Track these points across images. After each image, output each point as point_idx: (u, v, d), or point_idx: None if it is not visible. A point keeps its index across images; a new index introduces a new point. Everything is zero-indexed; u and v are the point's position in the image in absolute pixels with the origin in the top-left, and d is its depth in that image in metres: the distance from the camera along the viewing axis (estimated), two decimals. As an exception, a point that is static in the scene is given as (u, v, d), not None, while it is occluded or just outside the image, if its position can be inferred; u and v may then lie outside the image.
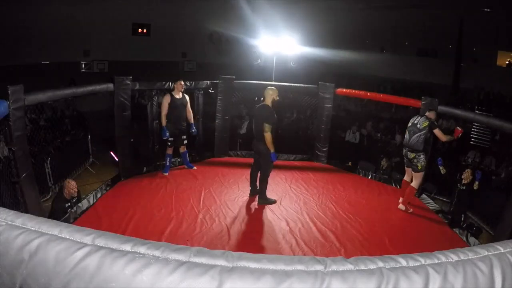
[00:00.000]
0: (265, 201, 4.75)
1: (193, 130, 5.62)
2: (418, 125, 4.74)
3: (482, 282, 0.79)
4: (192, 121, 5.59)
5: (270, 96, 4.53)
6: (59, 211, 4.13)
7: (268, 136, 4.38)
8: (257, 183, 4.83)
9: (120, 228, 3.95)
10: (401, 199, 5.16)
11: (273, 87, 4.67)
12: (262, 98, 4.66)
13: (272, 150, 4.45)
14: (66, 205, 4.22)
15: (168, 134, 5.32)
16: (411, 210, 4.93)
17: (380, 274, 0.76)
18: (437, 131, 4.69)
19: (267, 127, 4.37)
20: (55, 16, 11.13)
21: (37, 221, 0.84)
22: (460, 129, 4.82)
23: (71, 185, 4.31)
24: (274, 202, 4.80)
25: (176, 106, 5.35)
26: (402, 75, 15.13)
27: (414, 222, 4.71)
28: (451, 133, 4.96)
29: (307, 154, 6.84)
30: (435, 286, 0.76)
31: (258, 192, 4.79)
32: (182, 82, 5.43)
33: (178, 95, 5.39)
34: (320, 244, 3.93)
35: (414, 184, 4.81)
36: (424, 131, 4.68)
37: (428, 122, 4.69)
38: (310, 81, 6.98)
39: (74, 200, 4.34)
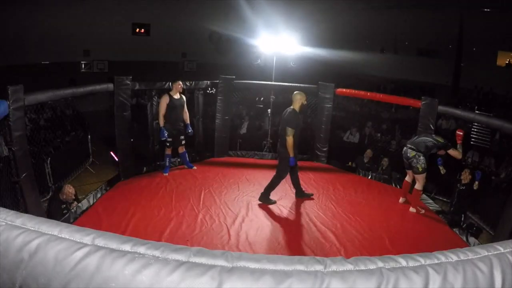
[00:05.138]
0: (266, 201, 4.75)
1: (189, 131, 5.59)
2: (433, 135, 4.87)
3: (482, 282, 0.79)
4: (188, 121, 5.58)
5: (299, 101, 4.53)
6: (54, 212, 4.14)
7: (289, 140, 4.39)
8: (294, 185, 4.94)
9: (120, 228, 3.94)
10: (401, 199, 5.17)
11: (301, 92, 4.66)
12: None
13: (291, 154, 4.45)
14: (62, 206, 4.24)
15: (166, 134, 5.32)
16: (423, 211, 4.92)
17: (380, 274, 0.76)
18: (452, 151, 4.70)
19: (289, 130, 4.38)
20: (55, 16, 11.14)
21: (37, 221, 0.84)
22: (461, 132, 4.80)
23: (70, 191, 4.35)
24: (274, 202, 4.80)
25: (175, 107, 5.34)
26: (402, 75, 15.14)
27: (414, 222, 4.70)
28: (453, 137, 4.94)
29: (307, 154, 6.83)
30: (435, 286, 0.76)
31: (265, 191, 4.78)
32: (181, 83, 5.41)
33: (176, 96, 5.38)
34: (320, 244, 3.93)
35: (418, 186, 4.80)
36: (435, 142, 4.71)
37: (444, 141, 4.73)
38: (310, 81, 6.97)
39: (70, 202, 4.36)
